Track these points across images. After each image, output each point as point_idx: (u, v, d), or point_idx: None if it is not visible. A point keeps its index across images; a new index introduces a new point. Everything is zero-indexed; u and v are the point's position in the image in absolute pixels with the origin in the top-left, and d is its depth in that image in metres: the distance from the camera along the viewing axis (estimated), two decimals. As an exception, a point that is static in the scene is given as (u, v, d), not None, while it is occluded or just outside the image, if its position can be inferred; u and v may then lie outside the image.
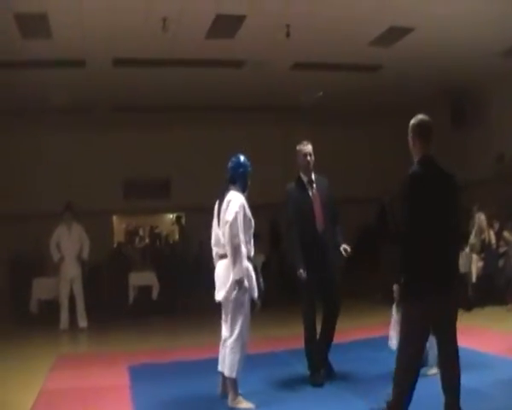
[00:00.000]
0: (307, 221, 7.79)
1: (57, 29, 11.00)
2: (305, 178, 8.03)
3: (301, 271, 7.54)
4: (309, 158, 7.99)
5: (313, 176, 8.05)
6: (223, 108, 17.32)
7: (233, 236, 6.64)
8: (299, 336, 7.93)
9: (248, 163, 7.22)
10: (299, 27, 11.53)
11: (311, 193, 7.95)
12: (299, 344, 7.99)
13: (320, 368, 7.77)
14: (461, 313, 12.26)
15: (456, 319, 5.41)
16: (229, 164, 7.19)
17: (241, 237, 6.70)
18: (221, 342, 7.02)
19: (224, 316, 6.99)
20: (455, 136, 17.29)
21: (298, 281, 7.56)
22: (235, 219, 6.68)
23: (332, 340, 7.96)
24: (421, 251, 5.08)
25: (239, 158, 7.22)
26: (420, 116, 5.49)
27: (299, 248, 7.63)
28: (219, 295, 6.87)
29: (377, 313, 10.71)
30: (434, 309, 5.15)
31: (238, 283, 6.66)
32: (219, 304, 6.99)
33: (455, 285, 5.39)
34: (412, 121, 5.46)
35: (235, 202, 6.80)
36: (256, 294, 6.98)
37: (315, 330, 7.84)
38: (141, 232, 20.12)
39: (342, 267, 8.93)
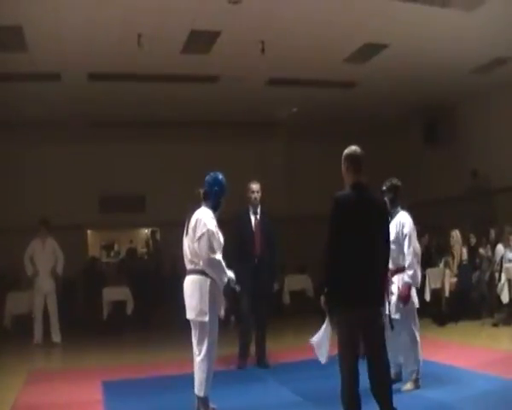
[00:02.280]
0: (247, 246, 9.37)
1: (32, 42, 10.98)
2: (251, 210, 9.55)
3: (237, 286, 8.33)
4: (255, 195, 9.48)
5: (259, 209, 9.55)
6: (198, 124, 17.34)
7: (209, 249, 6.68)
8: (275, 352, 8.03)
9: (225, 183, 7.19)
10: (273, 43, 11.61)
11: (253, 222, 9.52)
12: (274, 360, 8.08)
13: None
14: (434, 327, 12.49)
15: (382, 334, 5.68)
16: (207, 178, 7.20)
17: (216, 248, 6.74)
18: (194, 359, 7.00)
19: (193, 332, 6.98)
20: (428, 153, 17.48)
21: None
22: (208, 233, 6.70)
23: (264, 352, 9.51)
24: (345, 270, 5.44)
25: (217, 176, 7.20)
26: (353, 147, 5.82)
27: (236, 267, 8.35)
28: (188, 314, 6.91)
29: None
30: (359, 324, 5.49)
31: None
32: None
33: (379, 302, 5.68)
34: (346, 151, 5.82)
35: (204, 219, 6.83)
36: (222, 311, 7.02)
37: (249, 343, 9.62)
38: (115, 247, 20.02)
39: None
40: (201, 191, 7.13)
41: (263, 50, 11.67)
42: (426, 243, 14.95)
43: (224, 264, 6.81)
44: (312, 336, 6.03)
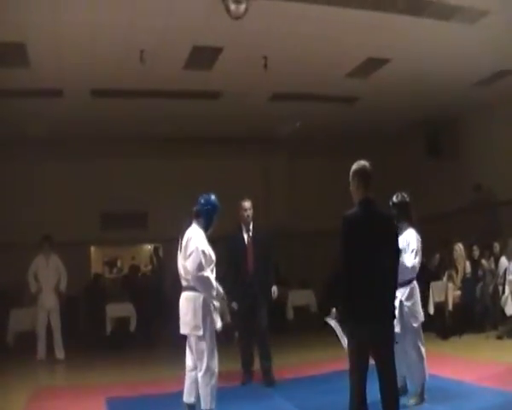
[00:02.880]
0: (240, 263, 9.46)
1: (35, 58, 11.02)
2: (243, 228, 9.60)
3: (233, 303, 9.03)
4: (248, 212, 9.53)
5: (251, 226, 9.60)
6: (200, 140, 17.34)
7: (197, 268, 6.81)
8: (280, 367, 8.01)
9: (217, 204, 7.34)
10: (276, 59, 11.65)
11: (246, 241, 9.55)
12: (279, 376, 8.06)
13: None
14: (437, 341, 12.44)
15: (392, 348, 5.71)
16: (199, 198, 7.35)
17: (205, 266, 6.85)
18: (186, 372, 7.14)
19: (188, 347, 7.15)
20: (431, 167, 17.46)
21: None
22: (197, 251, 6.84)
23: (270, 360, 9.40)
24: (356, 286, 5.48)
25: (210, 196, 7.35)
26: (362, 162, 5.83)
27: (232, 284, 9.03)
28: (183, 329, 7.07)
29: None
30: (370, 338, 5.50)
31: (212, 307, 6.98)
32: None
33: (389, 317, 5.71)
34: (354, 167, 5.82)
35: (194, 237, 6.98)
36: (219, 325, 7.07)
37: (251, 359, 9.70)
38: (118, 263, 20.01)
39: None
40: (194, 209, 7.28)
41: (265, 66, 11.70)
42: (436, 264, 15.02)
43: (212, 279, 6.94)
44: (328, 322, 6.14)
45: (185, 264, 6.97)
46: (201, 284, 6.85)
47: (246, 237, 9.58)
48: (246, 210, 9.51)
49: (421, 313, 7.84)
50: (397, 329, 7.33)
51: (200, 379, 6.87)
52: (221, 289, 7.21)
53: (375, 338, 5.51)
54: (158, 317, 15.28)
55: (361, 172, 5.74)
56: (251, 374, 9.63)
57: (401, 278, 7.46)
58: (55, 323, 13.39)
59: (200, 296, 6.90)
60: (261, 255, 9.54)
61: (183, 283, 7.13)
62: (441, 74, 13.15)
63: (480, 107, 15.54)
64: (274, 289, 9.57)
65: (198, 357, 6.91)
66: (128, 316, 14.90)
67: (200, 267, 6.80)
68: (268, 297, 9.62)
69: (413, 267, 7.55)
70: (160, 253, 18.20)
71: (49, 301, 13.40)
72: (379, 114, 16.06)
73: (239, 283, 9.32)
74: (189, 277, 6.93)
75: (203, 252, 6.88)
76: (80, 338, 15.11)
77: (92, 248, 19.14)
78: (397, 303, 7.41)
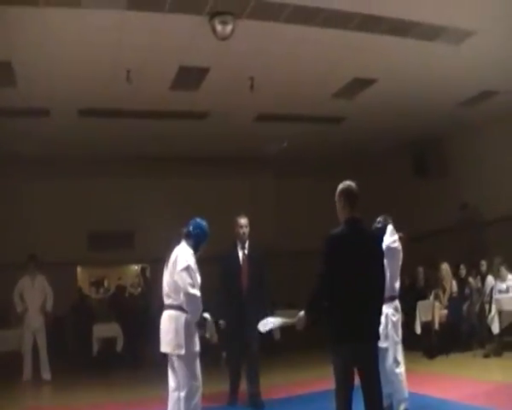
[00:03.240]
0: (234, 281, 9.30)
1: (22, 78, 11.00)
2: (239, 245, 9.45)
3: (221, 322, 8.99)
4: (244, 229, 9.38)
5: (247, 244, 9.44)
6: (187, 160, 17.34)
7: (188, 283, 6.73)
8: (267, 387, 8.02)
9: (207, 231, 7.30)
10: (262, 80, 11.69)
11: (241, 258, 9.40)
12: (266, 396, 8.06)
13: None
14: (424, 360, 12.45)
15: (377, 367, 5.70)
16: (191, 221, 7.31)
17: (195, 284, 6.80)
18: (169, 392, 7.03)
19: (169, 367, 7.05)
20: (418, 186, 17.52)
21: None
22: (187, 267, 6.78)
23: (258, 387, 9.23)
24: (339, 303, 5.49)
25: (201, 222, 7.31)
26: (347, 182, 5.86)
27: (223, 303, 9.08)
28: (164, 348, 6.99)
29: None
30: (354, 357, 5.51)
31: (199, 325, 6.90)
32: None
33: (375, 335, 5.70)
34: (340, 187, 5.85)
35: (185, 254, 6.92)
36: (197, 348, 6.95)
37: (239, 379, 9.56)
38: (105, 283, 19.93)
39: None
40: (184, 230, 7.23)
41: (252, 87, 11.74)
42: (421, 281, 15.09)
43: (200, 301, 6.83)
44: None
45: (172, 280, 6.89)
46: (191, 302, 6.74)
47: (241, 254, 9.44)
48: (242, 227, 9.37)
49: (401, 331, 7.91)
50: (384, 344, 7.37)
51: (182, 399, 6.77)
52: (208, 316, 7.09)
53: (359, 357, 5.51)
54: (144, 337, 15.23)
55: (347, 192, 5.76)
56: (237, 395, 9.53)
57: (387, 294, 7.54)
58: (41, 343, 13.34)
59: (182, 315, 6.81)
60: (255, 274, 9.37)
61: (166, 301, 7.02)
62: (427, 94, 13.23)
63: (465, 126, 15.61)
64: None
65: (180, 377, 6.81)
66: (115, 336, 14.84)
67: (192, 285, 6.73)
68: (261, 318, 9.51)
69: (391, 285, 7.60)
70: (148, 273, 18.15)
71: (34, 322, 13.35)
72: (365, 134, 16.12)
73: (230, 301, 9.19)
74: (174, 295, 6.86)
75: (193, 270, 6.83)
76: (67, 359, 15.01)
77: (79, 269, 19.07)
78: (383, 319, 7.46)
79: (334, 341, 5.56)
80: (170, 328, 6.87)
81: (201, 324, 6.94)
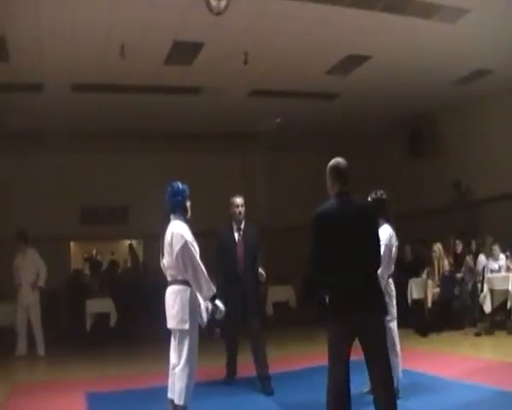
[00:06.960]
0: (231, 262, 9.08)
1: (15, 52, 10.94)
2: (234, 226, 9.21)
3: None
4: (240, 209, 9.13)
5: (242, 224, 9.20)
6: (181, 135, 17.34)
7: (190, 257, 6.62)
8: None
9: (185, 188, 7.03)
10: (256, 55, 11.65)
11: (237, 239, 9.16)
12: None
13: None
14: (416, 337, 12.52)
15: (384, 340, 5.55)
16: (166, 194, 7.04)
17: (197, 256, 6.71)
18: (170, 369, 6.94)
19: (172, 342, 6.95)
20: (412, 164, 17.53)
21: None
22: (186, 243, 6.65)
23: (267, 368, 8.90)
24: (335, 276, 5.44)
25: (174, 186, 7.03)
26: (337, 159, 5.78)
27: (221, 283, 8.63)
28: (169, 323, 6.86)
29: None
30: (351, 330, 5.39)
31: (212, 300, 6.80)
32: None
33: (379, 306, 5.58)
34: (330, 163, 5.77)
35: (180, 231, 6.74)
36: (204, 320, 6.91)
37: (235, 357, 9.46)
38: (99, 258, 19.95)
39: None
40: (168, 206, 7.02)
41: (246, 62, 11.70)
42: (408, 257, 15.12)
43: (206, 273, 6.70)
44: None
45: (172, 259, 6.73)
46: (199, 277, 6.63)
47: (236, 235, 9.19)
48: (238, 206, 9.11)
49: (395, 310, 7.85)
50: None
51: (177, 373, 6.70)
52: (214, 288, 6.87)
53: (358, 329, 5.38)
54: (138, 312, 15.30)
55: (335, 168, 5.72)
56: (234, 372, 9.48)
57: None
58: (34, 319, 13.32)
59: (187, 290, 6.71)
60: (251, 255, 9.16)
61: (169, 277, 6.90)
62: (421, 72, 13.22)
63: (459, 105, 15.62)
64: (261, 271, 9.05)
65: (179, 351, 6.73)
66: (108, 312, 14.89)
67: (197, 260, 6.64)
68: (257, 296, 9.47)
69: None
70: (140, 248, 18.18)
71: (27, 297, 13.31)
72: (359, 111, 16.11)
73: (228, 281, 8.98)
74: (176, 272, 6.74)
75: (192, 245, 6.70)
76: (61, 334, 15.06)
77: (72, 244, 19.09)
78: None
79: (330, 314, 5.47)
80: (174, 303, 6.75)
81: (213, 311, 6.87)
